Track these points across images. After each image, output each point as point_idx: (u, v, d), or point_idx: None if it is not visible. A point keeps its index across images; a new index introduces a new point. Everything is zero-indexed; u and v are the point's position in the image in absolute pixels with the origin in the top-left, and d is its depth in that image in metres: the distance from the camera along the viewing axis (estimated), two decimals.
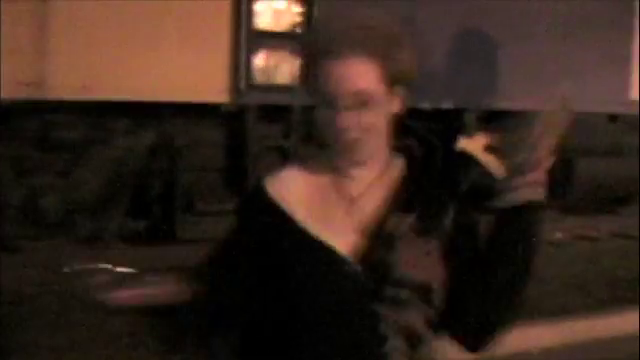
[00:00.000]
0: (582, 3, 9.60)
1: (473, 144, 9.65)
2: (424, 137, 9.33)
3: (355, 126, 2.08)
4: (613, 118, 10.22)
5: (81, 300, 2.23)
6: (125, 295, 2.17)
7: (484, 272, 2.15)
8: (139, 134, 7.88)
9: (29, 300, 6.67)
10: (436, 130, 9.37)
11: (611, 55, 9.85)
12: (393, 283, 2.08)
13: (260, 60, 7.73)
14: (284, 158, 8.05)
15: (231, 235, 2.26)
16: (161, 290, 2.20)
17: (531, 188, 2.15)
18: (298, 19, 7.95)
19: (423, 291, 2.11)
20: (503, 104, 9.36)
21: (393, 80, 2.11)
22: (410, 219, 2.13)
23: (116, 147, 7.82)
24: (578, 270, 8.28)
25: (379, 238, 2.11)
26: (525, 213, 2.14)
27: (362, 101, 2.07)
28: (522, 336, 6.52)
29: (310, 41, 2.18)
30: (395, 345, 2.09)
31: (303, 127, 7.99)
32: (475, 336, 2.19)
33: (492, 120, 9.62)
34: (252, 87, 7.67)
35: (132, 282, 2.20)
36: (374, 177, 2.17)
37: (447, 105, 9.15)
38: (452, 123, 9.40)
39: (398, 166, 2.22)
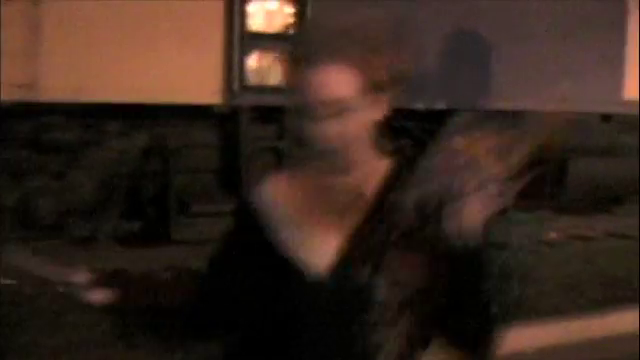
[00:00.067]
0: (576, 3, 9.61)
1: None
2: (418, 138, 9.33)
3: (333, 135, 2.01)
4: (607, 118, 10.23)
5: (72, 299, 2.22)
6: (102, 296, 2.17)
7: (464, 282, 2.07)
8: (133, 136, 7.87)
9: (27, 301, 6.67)
10: (430, 130, 9.37)
11: (605, 55, 9.86)
12: (365, 300, 2.03)
13: (253, 61, 7.72)
14: (278, 159, 8.06)
15: (220, 245, 2.24)
16: (136, 291, 2.20)
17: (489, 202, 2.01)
18: (291, 20, 7.95)
19: (403, 310, 2.04)
20: (497, 104, 9.36)
21: (374, 87, 2.04)
22: (395, 231, 2.05)
23: (110, 149, 7.81)
24: (573, 270, 8.29)
25: (355, 254, 2.05)
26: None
27: (339, 110, 2.00)
28: (517, 336, 6.52)
29: (290, 48, 2.11)
30: None
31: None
32: (470, 343, 2.12)
33: (486, 121, 9.62)
34: (245, 88, 7.67)
35: (109, 282, 2.19)
36: (359, 184, 2.10)
37: (441, 105, 9.14)
38: (446, 123, 9.39)
39: (387, 170, 2.15)
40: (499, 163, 1.97)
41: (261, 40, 7.72)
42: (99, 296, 2.18)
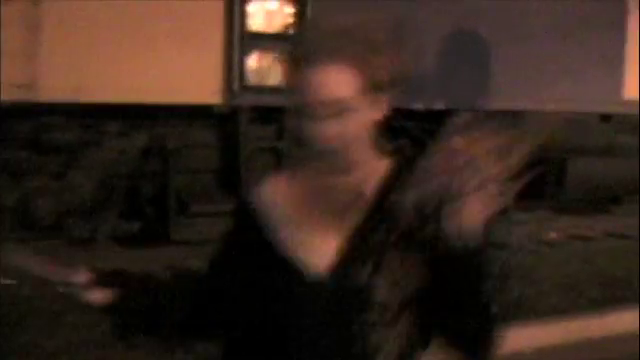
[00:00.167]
0: (575, 3, 9.61)
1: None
2: (418, 138, 9.34)
3: (332, 136, 2.00)
4: (606, 118, 10.23)
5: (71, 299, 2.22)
6: (100, 296, 2.17)
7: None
8: (132, 136, 7.88)
9: (26, 302, 6.67)
10: (429, 130, 9.37)
11: (605, 55, 9.86)
12: (362, 301, 2.03)
13: (253, 61, 7.72)
14: (277, 159, 8.06)
15: (220, 245, 2.23)
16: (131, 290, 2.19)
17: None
18: (291, 20, 7.95)
19: (397, 309, 2.04)
20: (497, 104, 9.37)
21: (373, 87, 2.03)
22: (395, 232, 2.05)
23: (109, 149, 7.81)
24: (572, 270, 8.29)
25: (353, 255, 2.05)
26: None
27: (338, 110, 2.00)
28: (516, 336, 6.53)
29: (289, 48, 2.10)
30: None
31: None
32: (470, 343, 2.10)
33: (485, 121, 9.62)
34: (245, 88, 7.67)
35: (107, 282, 2.18)
36: (358, 184, 2.09)
37: (440, 106, 9.15)
38: (445, 124, 9.39)
39: (387, 170, 2.14)
40: (499, 163, 1.95)
41: (261, 40, 7.72)
42: (98, 296, 2.17)
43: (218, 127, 8.08)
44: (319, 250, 2.07)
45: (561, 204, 10.39)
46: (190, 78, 7.45)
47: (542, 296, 7.47)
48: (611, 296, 7.66)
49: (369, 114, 2.05)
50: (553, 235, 9.99)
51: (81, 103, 7.22)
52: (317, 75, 1.99)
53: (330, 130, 2.00)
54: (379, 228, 2.06)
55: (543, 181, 9.97)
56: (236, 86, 7.64)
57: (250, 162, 7.95)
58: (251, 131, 7.97)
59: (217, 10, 7.64)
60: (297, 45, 2.06)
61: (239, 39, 7.66)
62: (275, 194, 2.16)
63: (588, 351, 6.60)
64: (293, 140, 7.86)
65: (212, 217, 7.41)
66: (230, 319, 2.17)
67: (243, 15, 7.73)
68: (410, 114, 9.11)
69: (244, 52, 7.67)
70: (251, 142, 7.98)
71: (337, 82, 1.99)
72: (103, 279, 2.19)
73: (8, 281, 6.79)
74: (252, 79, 7.71)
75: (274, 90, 7.63)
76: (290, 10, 7.95)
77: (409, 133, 9.28)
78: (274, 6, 7.93)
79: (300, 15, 7.90)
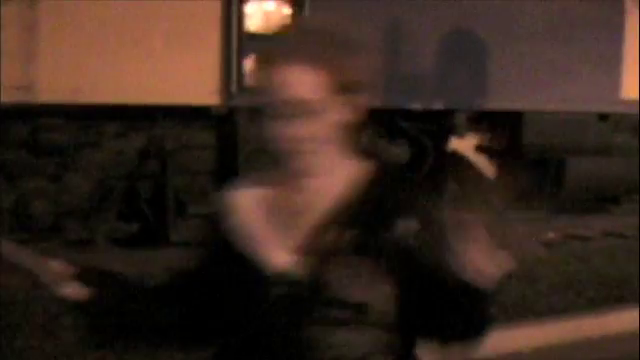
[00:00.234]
0: (573, 4, 9.62)
1: (464, 144, 9.66)
2: (415, 138, 9.34)
3: (300, 136, 1.99)
4: (604, 117, 10.24)
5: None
6: (75, 290, 2.13)
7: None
8: (130, 137, 7.88)
9: (22, 304, 6.66)
10: (427, 131, 9.38)
11: (603, 55, 9.87)
12: (330, 304, 2.00)
13: (251, 63, 7.72)
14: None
15: (194, 250, 2.23)
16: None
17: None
18: (288, 21, 7.95)
19: (366, 312, 2.01)
20: (494, 104, 9.38)
21: (342, 88, 2.01)
22: (353, 234, 2.03)
23: (107, 150, 7.82)
24: (570, 270, 8.28)
25: (321, 256, 2.02)
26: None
27: (306, 110, 1.99)
28: (514, 336, 6.53)
29: (261, 48, 2.12)
30: None
31: None
32: (454, 340, 2.07)
33: (483, 121, 9.64)
34: (243, 89, 7.67)
35: (85, 279, 2.15)
36: (327, 188, 2.07)
37: (438, 106, 9.15)
38: (443, 124, 9.41)
39: (359, 173, 2.11)
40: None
41: (259, 41, 7.72)
42: (73, 290, 2.14)
43: (216, 128, 8.08)
44: (287, 250, 2.06)
45: (559, 204, 10.39)
46: (188, 79, 7.45)
47: (540, 296, 7.47)
48: (610, 296, 7.66)
49: (337, 116, 2.03)
50: (551, 235, 9.99)
51: (79, 104, 7.23)
52: (285, 74, 1.99)
53: (297, 130, 2.00)
54: (346, 231, 2.04)
55: (541, 181, 9.98)
56: (234, 87, 7.65)
57: (248, 163, 7.95)
58: (249, 132, 7.97)
59: (215, 11, 7.64)
60: (268, 45, 2.07)
61: (237, 40, 7.66)
62: (244, 198, 2.15)
63: (587, 351, 6.60)
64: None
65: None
66: (208, 322, 2.17)
67: (241, 16, 7.73)
68: (408, 114, 9.12)
69: (242, 53, 7.67)
70: (249, 143, 7.98)
71: (305, 82, 1.99)
72: (81, 275, 2.15)
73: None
74: (250, 80, 7.71)
75: None
76: (288, 11, 7.95)
77: (407, 133, 9.30)
78: (272, 7, 7.93)
79: (298, 16, 7.90)
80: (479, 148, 9.83)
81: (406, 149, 9.36)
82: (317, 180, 2.07)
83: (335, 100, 2.01)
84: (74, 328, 2.22)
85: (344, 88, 2.02)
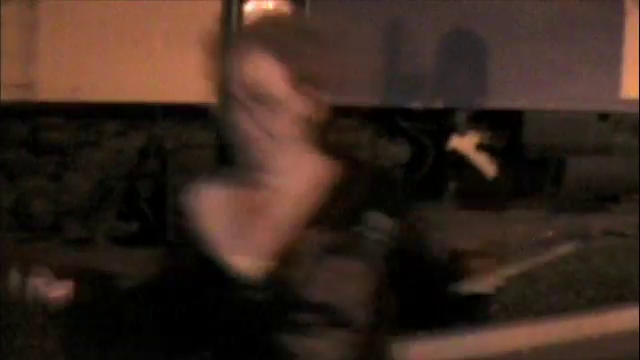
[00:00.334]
0: (573, 3, 9.62)
1: (464, 144, 9.66)
2: (415, 137, 9.34)
3: (256, 126, 1.94)
4: (604, 117, 10.24)
5: (18, 301, 2.13)
6: (62, 293, 2.07)
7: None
8: (130, 136, 7.88)
9: (22, 304, 6.65)
10: (427, 130, 9.38)
11: (602, 54, 9.87)
12: (298, 307, 1.95)
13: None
14: None
15: (162, 253, 2.19)
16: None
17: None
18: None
19: (335, 314, 1.96)
20: (495, 104, 9.37)
21: (299, 79, 1.94)
22: (325, 235, 1.97)
23: (107, 149, 7.81)
24: (570, 269, 8.27)
25: (287, 258, 1.96)
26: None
27: (265, 100, 1.93)
28: (513, 335, 6.53)
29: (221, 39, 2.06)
30: None
31: None
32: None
33: (483, 120, 9.63)
34: None
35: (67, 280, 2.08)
36: (290, 186, 2.02)
37: (438, 105, 9.15)
38: (443, 123, 9.41)
39: (330, 171, 2.04)
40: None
41: None
42: (59, 292, 2.07)
43: (216, 127, 8.07)
44: (252, 252, 2.00)
45: (559, 203, 10.39)
46: (188, 78, 7.42)
47: (540, 295, 7.47)
48: (609, 295, 7.66)
49: (299, 109, 1.97)
50: (550, 234, 9.96)
51: (79, 103, 7.22)
52: (239, 61, 1.95)
53: (258, 122, 1.95)
54: (308, 234, 1.98)
55: (541, 180, 9.98)
56: None
57: None
58: None
59: (215, 10, 7.63)
60: (229, 34, 2.03)
61: None
62: (206, 198, 2.09)
63: (586, 350, 6.60)
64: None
65: None
66: (178, 327, 2.11)
67: (240, 15, 7.73)
68: (408, 113, 9.12)
69: None
70: None
71: (258, 68, 1.93)
72: (63, 273, 2.08)
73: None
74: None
75: None
76: (287, 9, 7.95)
77: (407, 132, 9.30)
78: (271, 6, 7.92)
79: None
80: (479, 147, 9.82)
81: (406, 148, 9.36)
82: (279, 177, 2.01)
83: (296, 92, 1.96)
84: (66, 333, 2.18)
85: (306, 80, 1.95)
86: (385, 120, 9.11)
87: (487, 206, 10.00)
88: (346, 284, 1.96)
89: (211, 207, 2.07)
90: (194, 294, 2.05)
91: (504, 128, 9.76)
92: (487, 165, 9.77)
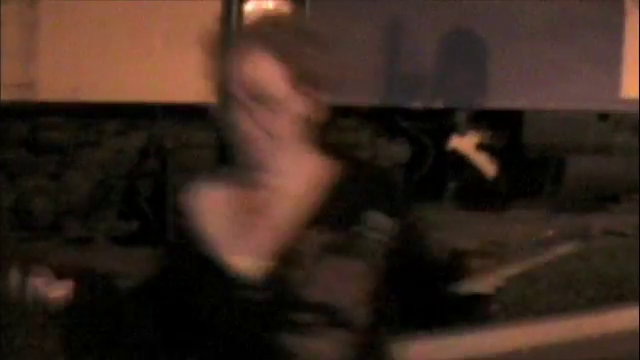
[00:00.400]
0: (573, 3, 9.62)
1: (465, 143, 9.66)
2: (415, 137, 9.34)
3: (256, 126, 1.93)
4: (604, 116, 10.24)
5: (17, 302, 2.12)
6: (62, 293, 2.05)
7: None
8: (130, 135, 7.87)
9: (20, 303, 6.64)
10: (427, 130, 9.38)
11: (603, 54, 9.87)
12: (297, 307, 1.94)
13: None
14: None
15: (161, 253, 2.19)
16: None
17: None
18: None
19: (335, 314, 1.94)
20: (495, 103, 9.37)
21: (299, 79, 1.94)
22: (324, 235, 1.96)
23: (107, 148, 7.81)
24: (570, 268, 8.27)
25: (287, 258, 1.95)
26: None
27: (260, 97, 1.93)
28: (514, 335, 6.53)
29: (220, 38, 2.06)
30: None
31: None
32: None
33: (483, 119, 9.64)
34: None
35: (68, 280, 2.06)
36: (288, 186, 2.01)
37: (438, 105, 9.15)
38: (443, 123, 9.41)
39: (329, 172, 2.03)
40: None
41: None
42: (59, 292, 2.04)
43: (216, 127, 8.07)
44: (252, 251, 1.99)
45: (558, 202, 10.39)
46: (188, 78, 7.42)
47: (540, 295, 7.47)
48: (609, 294, 7.66)
49: (298, 109, 1.97)
50: (550, 233, 9.96)
51: (79, 103, 7.22)
52: (239, 60, 1.95)
53: (257, 121, 1.94)
54: (307, 234, 1.97)
55: (541, 180, 9.98)
56: None
57: None
58: None
59: (215, 10, 7.63)
60: (229, 34, 2.03)
61: None
62: (205, 198, 2.08)
63: (586, 350, 6.60)
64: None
65: None
66: (177, 327, 2.11)
67: (240, 15, 7.72)
68: (408, 113, 9.12)
69: None
70: None
71: (258, 67, 1.93)
72: (63, 272, 2.06)
73: None
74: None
75: None
76: (288, 9, 7.95)
77: (407, 132, 9.30)
78: (271, 6, 7.92)
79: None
80: (479, 147, 9.83)
81: (406, 148, 9.36)
82: (279, 177, 2.01)
83: (295, 92, 1.95)
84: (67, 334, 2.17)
85: (305, 80, 1.95)
86: (385, 120, 9.10)
87: (487, 206, 10.01)
88: (346, 284, 1.95)
89: (210, 207, 2.06)
90: (193, 294, 2.04)
91: (504, 128, 9.76)
92: (487, 165, 9.78)
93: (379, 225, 1.98)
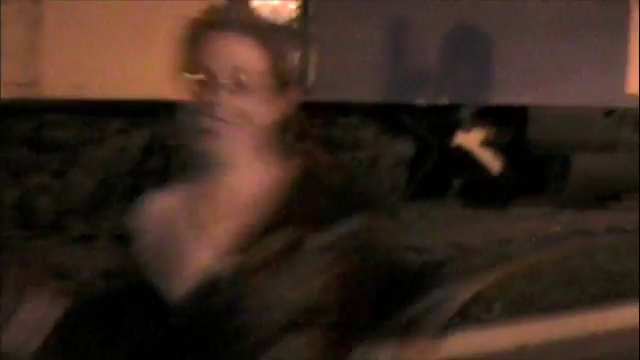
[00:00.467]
0: (578, 1, 9.61)
1: (469, 140, 9.66)
2: (420, 133, 9.34)
3: (228, 109, 1.89)
4: (608, 113, 10.23)
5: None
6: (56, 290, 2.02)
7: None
8: (133, 133, 7.88)
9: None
10: (432, 126, 9.38)
11: (607, 50, 9.86)
12: (262, 309, 1.89)
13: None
14: None
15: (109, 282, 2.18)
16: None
17: None
18: (294, 15, 7.95)
19: (301, 314, 1.91)
20: (499, 100, 9.37)
21: (276, 72, 1.92)
22: (285, 235, 1.92)
23: (111, 146, 7.82)
24: (573, 265, 8.27)
25: (246, 259, 1.91)
26: None
27: (238, 80, 1.90)
28: (517, 331, 6.53)
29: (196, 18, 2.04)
30: None
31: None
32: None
33: (488, 116, 9.64)
34: None
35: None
36: (248, 184, 1.96)
37: (443, 101, 9.15)
38: (448, 119, 9.41)
39: (288, 173, 1.98)
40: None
41: None
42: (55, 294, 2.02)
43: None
44: (210, 256, 1.94)
45: (562, 199, 10.38)
46: None
47: (543, 291, 7.47)
48: (612, 291, 7.66)
49: (268, 99, 1.93)
50: (555, 230, 9.97)
51: (82, 100, 7.23)
52: (223, 40, 1.93)
53: (223, 104, 1.90)
54: (278, 230, 1.93)
55: (545, 176, 9.98)
56: None
57: None
58: None
59: None
60: (205, 14, 2.02)
61: None
62: (159, 212, 2.04)
63: (589, 346, 6.60)
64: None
65: None
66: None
67: None
68: (413, 109, 9.12)
69: None
70: None
71: (243, 50, 1.91)
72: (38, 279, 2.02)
73: None
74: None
75: None
76: (294, 5, 7.95)
77: (412, 128, 9.30)
78: (278, 2, 7.93)
79: (304, 10, 7.90)
80: (484, 143, 9.83)
81: (411, 144, 9.36)
82: (235, 173, 1.96)
83: (270, 83, 1.92)
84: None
85: (279, 72, 1.93)
86: (389, 116, 9.10)
87: (491, 202, 10.01)
88: (308, 283, 1.91)
89: (164, 217, 2.01)
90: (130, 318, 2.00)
91: (509, 124, 9.75)
92: (492, 161, 9.78)
93: (341, 225, 1.94)
